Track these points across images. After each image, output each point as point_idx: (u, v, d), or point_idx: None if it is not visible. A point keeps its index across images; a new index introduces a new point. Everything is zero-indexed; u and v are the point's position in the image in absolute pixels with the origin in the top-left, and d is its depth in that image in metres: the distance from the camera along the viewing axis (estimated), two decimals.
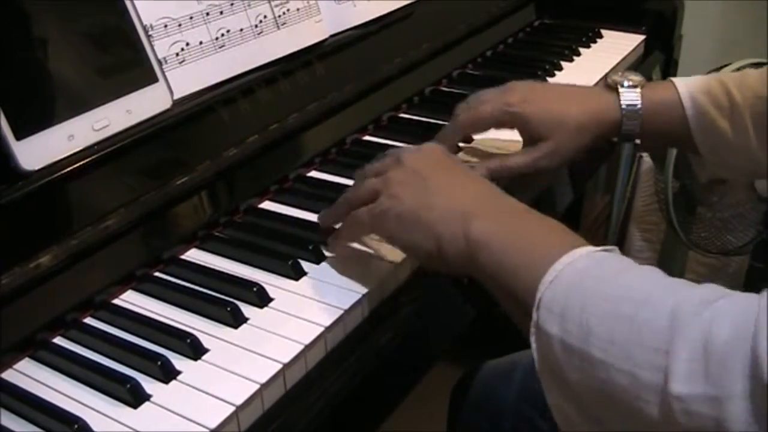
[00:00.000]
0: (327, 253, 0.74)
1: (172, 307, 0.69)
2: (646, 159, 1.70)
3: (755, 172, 0.86)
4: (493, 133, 0.93)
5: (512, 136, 0.89)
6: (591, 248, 0.56)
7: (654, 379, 0.46)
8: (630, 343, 0.48)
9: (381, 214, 0.67)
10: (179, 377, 0.61)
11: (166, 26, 0.78)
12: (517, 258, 0.58)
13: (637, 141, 0.88)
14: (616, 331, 0.49)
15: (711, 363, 0.44)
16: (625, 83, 0.85)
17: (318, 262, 0.73)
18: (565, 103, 0.84)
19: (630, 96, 0.84)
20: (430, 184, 0.66)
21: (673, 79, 0.86)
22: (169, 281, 0.72)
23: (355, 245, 0.75)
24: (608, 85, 0.86)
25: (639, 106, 0.84)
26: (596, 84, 1.12)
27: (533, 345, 0.55)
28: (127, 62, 0.75)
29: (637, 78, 0.86)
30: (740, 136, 0.82)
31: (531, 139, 0.85)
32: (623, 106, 0.84)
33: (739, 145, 0.83)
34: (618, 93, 0.85)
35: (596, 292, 0.51)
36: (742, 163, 0.85)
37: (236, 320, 0.66)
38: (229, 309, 0.66)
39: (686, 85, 0.84)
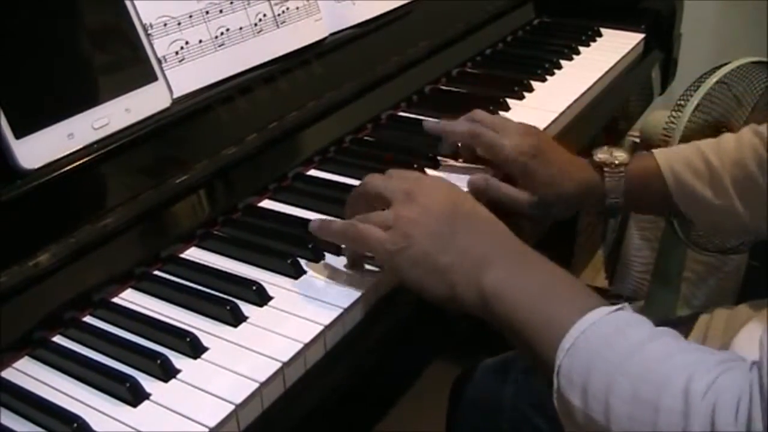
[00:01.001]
0: (326, 252, 0.74)
1: (172, 305, 0.69)
2: None
3: (743, 229, 0.90)
4: None
5: None
6: (604, 310, 0.57)
7: None
8: (649, 427, 0.51)
9: (394, 253, 0.66)
10: (179, 376, 0.61)
11: (165, 25, 0.78)
12: (532, 315, 0.60)
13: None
14: (637, 414, 0.52)
15: None
16: (609, 160, 0.88)
17: (317, 261, 0.73)
18: (564, 171, 0.86)
19: (612, 177, 0.88)
20: (444, 225, 0.66)
21: (654, 151, 0.90)
22: (169, 280, 0.72)
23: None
24: (595, 163, 0.89)
25: (621, 186, 0.88)
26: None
27: (557, 407, 0.57)
28: (126, 61, 0.75)
29: (621, 154, 0.89)
30: (722, 200, 0.86)
31: (525, 188, 0.85)
32: (606, 186, 0.88)
33: (721, 207, 0.86)
34: (603, 172, 0.88)
35: (616, 371, 0.53)
36: (727, 223, 0.88)
37: (236, 319, 0.66)
38: (228, 308, 0.66)
39: (665, 158, 0.88)
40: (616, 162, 0.88)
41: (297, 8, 0.91)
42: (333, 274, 0.72)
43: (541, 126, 0.97)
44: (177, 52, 0.79)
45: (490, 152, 0.87)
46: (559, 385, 0.56)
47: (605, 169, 0.88)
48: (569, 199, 0.87)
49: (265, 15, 0.87)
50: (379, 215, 0.69)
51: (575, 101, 1.07)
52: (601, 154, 0.89)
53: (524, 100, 1.08)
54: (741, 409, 0.48)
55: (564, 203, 0.87)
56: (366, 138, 0.98)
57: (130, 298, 0.70)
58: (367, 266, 0.72)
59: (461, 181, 0.83)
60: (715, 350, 0.55)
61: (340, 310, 0.67)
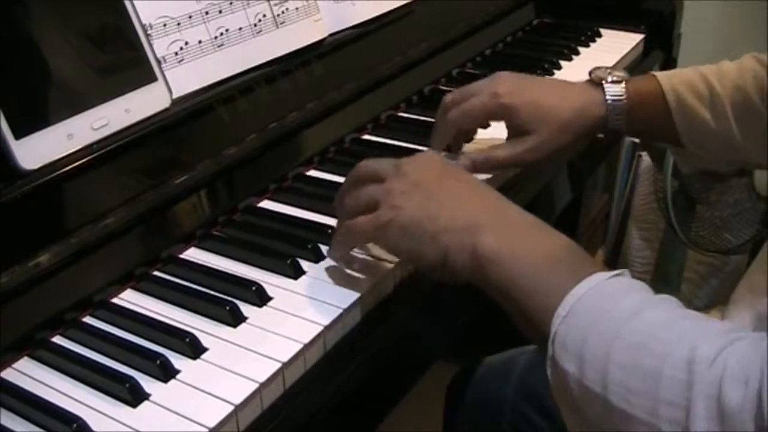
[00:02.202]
0: (328, 257, 0.74)
1: (171, 306, 0.69)
2: (645, 158, 1.70)
3: (734, 160, 0.89)
4: (492, 134, 0.93)
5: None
6: (602, 275, 0.55)
7: None
8: (649, 396, 0.48)
9: (384, 225, 0.65)
10: (178, 376, 0.61)
11: (165, 25, 0.78)
12: (528, 279, 0.58)
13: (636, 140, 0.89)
14: (636, 382, 0.49)
15: (726, 424, 0.45)
16: (609, 78, 0.86)
17: (317, 261, 0.73)
18: (553, 98, 0.84)
19: (614, 90, 0.85)
20: (434, 194, 0.65)
21: (655, 73, 0.88)
22: (168, 280, 0.72)
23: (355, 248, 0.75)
24: (592, 80, 0.87)
25: (624, 100, 0.85)
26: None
27: (549, 376, 0.55)
28: (126, 61, 0.75)
29: (620, 73, 0.87)
30: (721, 124, 0.84)
31: (517, 131, 0.84)
32: (608, 101, 0.85)
33: (719, 133, 0.85)
34: (603, 88, 0.85)
35: (614, 338, 0.51)
36: (722, 151, 0.87)
37: (235, 319, 0.66)
38: (228, 308, 0.66)
39: (667, 78, 0.86)
40: (615, 77, 0.85)
41: (296, 9, 0.91)
42: (332, 274, 0.72)
43: None
44: (176, 53, 0.79)
45: (468, 118, 0.86)
46: (554, 353, 0.54)
47: (605, 85, 0.85)
48: (567, 127, 0.83)
49: (264, 15, 0.88)
50: (367, 192, 0.68)
51: None
52: (599, 72, 0.87)
53: None
54: (751, 381, 0.45)
55: (562, 132, 0.83)
56: (366, 138, 0.98)
57: (130, 299, 0.70)
58: (367, 264, 0.72)
59: None
60: (716, 319, 0.52)
61: (340, 311, 0.67)
